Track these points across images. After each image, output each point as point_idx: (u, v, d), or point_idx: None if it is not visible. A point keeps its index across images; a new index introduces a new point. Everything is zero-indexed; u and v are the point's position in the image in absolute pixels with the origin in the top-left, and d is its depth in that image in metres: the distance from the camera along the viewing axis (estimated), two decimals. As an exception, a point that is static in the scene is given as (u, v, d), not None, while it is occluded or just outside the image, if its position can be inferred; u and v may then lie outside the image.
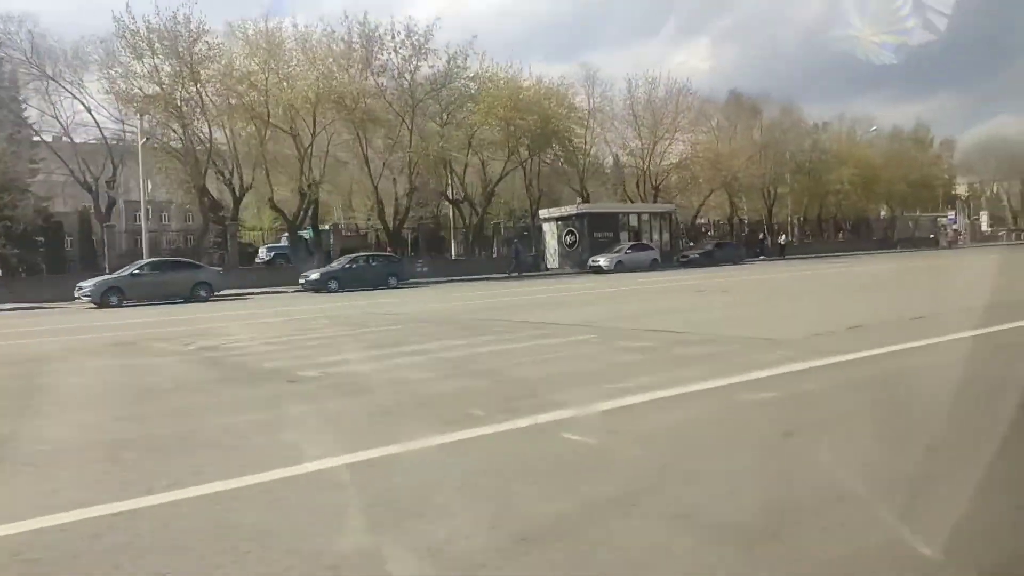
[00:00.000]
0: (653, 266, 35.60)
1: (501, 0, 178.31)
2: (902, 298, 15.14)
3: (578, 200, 41.75)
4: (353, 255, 29.03)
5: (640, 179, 46.79)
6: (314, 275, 26.63)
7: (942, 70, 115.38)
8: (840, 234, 60.37)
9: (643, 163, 46.49)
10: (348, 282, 26.74)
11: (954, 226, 58.20)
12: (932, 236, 57.80)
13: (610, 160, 49.92)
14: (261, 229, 43.23)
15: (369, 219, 42.42)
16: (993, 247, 59.20)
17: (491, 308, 16.11)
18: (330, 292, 25.85)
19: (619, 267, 34.34)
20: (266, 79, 32.37)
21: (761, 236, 48.41)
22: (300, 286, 26.81)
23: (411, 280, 29.94)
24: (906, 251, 53.85)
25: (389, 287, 27.26)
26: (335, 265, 27.65)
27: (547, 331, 10.65)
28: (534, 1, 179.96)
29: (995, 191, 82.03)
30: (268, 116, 32.89)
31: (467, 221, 40.62)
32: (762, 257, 46.23)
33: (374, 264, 28.14)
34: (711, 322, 11.30)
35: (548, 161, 43.58)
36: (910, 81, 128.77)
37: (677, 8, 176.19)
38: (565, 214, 39.99)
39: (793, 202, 58.19)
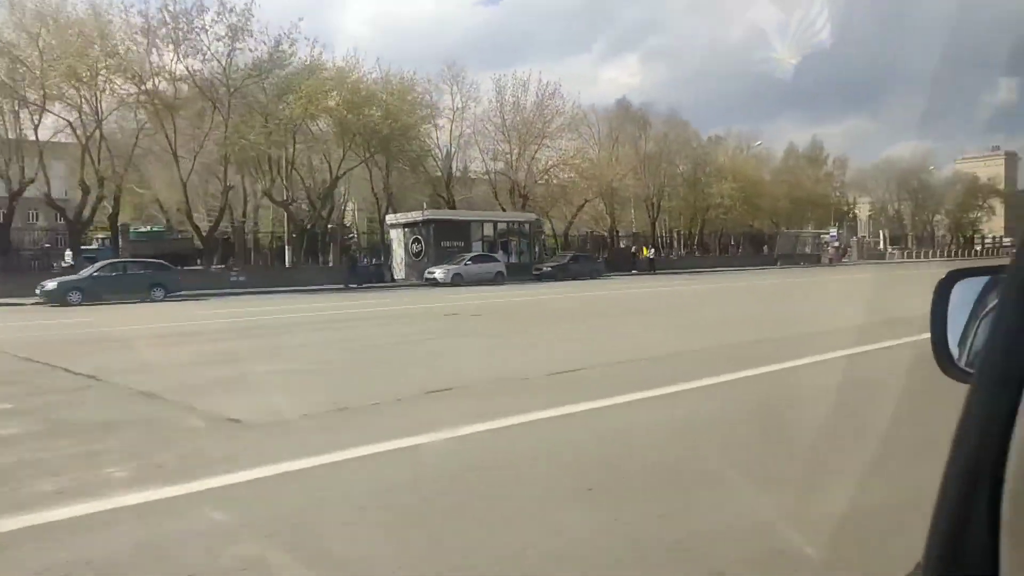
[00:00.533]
0: (498, 279, 32.35)
1: (437, 10, 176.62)
2: (706, 325, 12.48)
3: (424, 206, 38.29)
4: (110, 261, 24.56)
5: (512, 187, 43.78)
6: (51, 284, 22.10)
7: (853, 96, 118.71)
8: (727, 250, 59.04)
9: (513, 170, 43.50)
10: (98, 293, 22.31)
11: (835, 243, 57.55)
12: (813, 253, 56.94)
13: (481, 167, 46.81)
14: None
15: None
16: (878, 264, 59.20)
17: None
18: (71, 305, 21.44)
19: (457, 280, 30.93)
20: (40, 53, 27.61)
21: (633, 250, 45.97)
22: (37, 296, 22.25)
23: (193, 292, 25.66)
24: (786, 267, 52.74)
25: (154, 300, 23.01)
26: (83, 273, 23.14)
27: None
28: (468, 13, 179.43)
29: (897, 209, 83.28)
30: (44, 97, 28.21)
31: (307, 225, 36.60)
32: (634, 272, 43.89)
33: (133, 272, 23.71)
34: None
35: (404, 164, 40.05)
36: (826, 105, 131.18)
37: (608, 26, 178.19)
38: (411, 220, 36.37)
39: (677, 216, 56.42)
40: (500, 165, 43.51)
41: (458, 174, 44.35)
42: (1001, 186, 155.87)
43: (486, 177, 45.22)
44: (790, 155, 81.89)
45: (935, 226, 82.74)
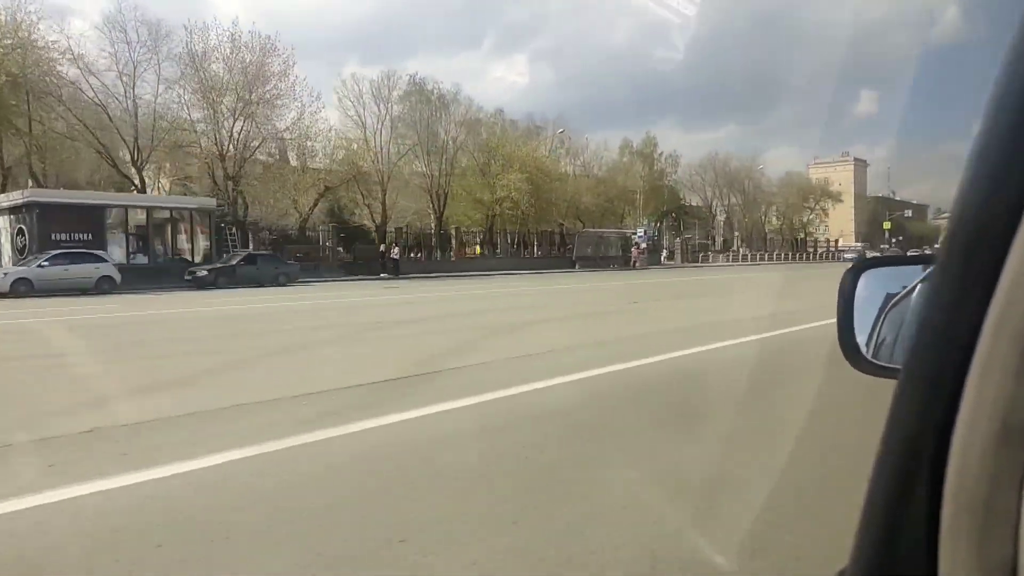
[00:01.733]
0: (102, 286, 23.06)
1: (316, 5, 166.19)
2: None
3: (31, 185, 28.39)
4: None
5: (212, 164, 34.34)
6: None
7: (730, 103, 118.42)
8: (523, 250, 51.91)
9: (212, 142, 34.08)
10: None
11: (643, 244, 51.74)
12: (619, 254, 50.71)
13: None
14: None
15: None
16: (694, 268, 54.14)
17: None
18: None
19: (21, 288, 21.44)
20: None
21: (382, 248, 37.57)
22: None
23: None
24: (585, 270, 46.26)
25: None
26: None
27: None
28: (354, 3, 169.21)
29: (724, 207, 79.47)
30: None
31: None
32: (383, 275, 35.69)
33: None
34: None
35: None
36: (704, 112, 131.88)
37: (496, 25, 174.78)
38: (14, 204, 26.45)
39: (466, 210, 48.69)
40: (191, 134, 33.86)
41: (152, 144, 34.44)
42: (850, 190, 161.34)
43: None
44: (624, 151, 77.04)
45: (765, 228, 79.60)
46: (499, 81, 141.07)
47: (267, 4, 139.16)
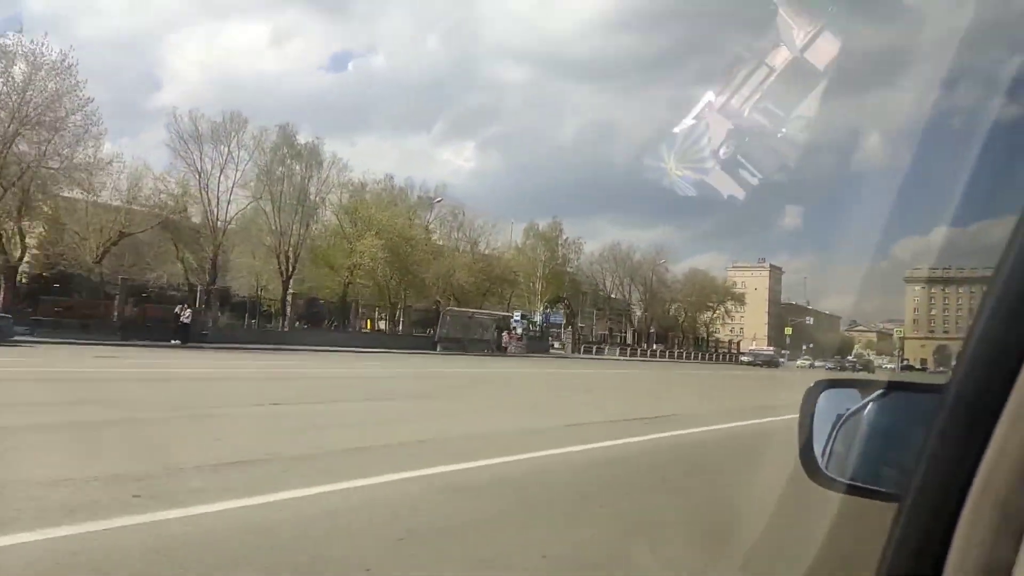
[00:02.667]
0: None
1: (277, 68, 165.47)
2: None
3: None
4: None
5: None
6: None
7: (662, 207, 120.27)
8: (392, 325, 46.26)
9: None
10: None
11: (519, 329, 46.96)
12: (490, 338, 45.55)
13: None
14: None
15: None
16: (576, 360, 49.45)
17: None
18: None
19: None
20: None
21: (177, 310, 31.19)
22: None
23: None
24: (449, 353, 40.82)
25: None
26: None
27: None
28: (312, 77, 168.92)
29: (627, 299, 76.03)
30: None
31: None
32: (174, 342, 29.30)
33: None
34: None
35: None
36: (643, 211, 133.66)
37: (446, 111, 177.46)
38: None
39: (318, 276, 43.00)
40: None
41: None
42: (765, 296, 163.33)
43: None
44: (529, 233, 73.42)
45: (668, 323, 76.24)
46: (447, 164, 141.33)
47: (226, 71, 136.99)
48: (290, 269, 41.09)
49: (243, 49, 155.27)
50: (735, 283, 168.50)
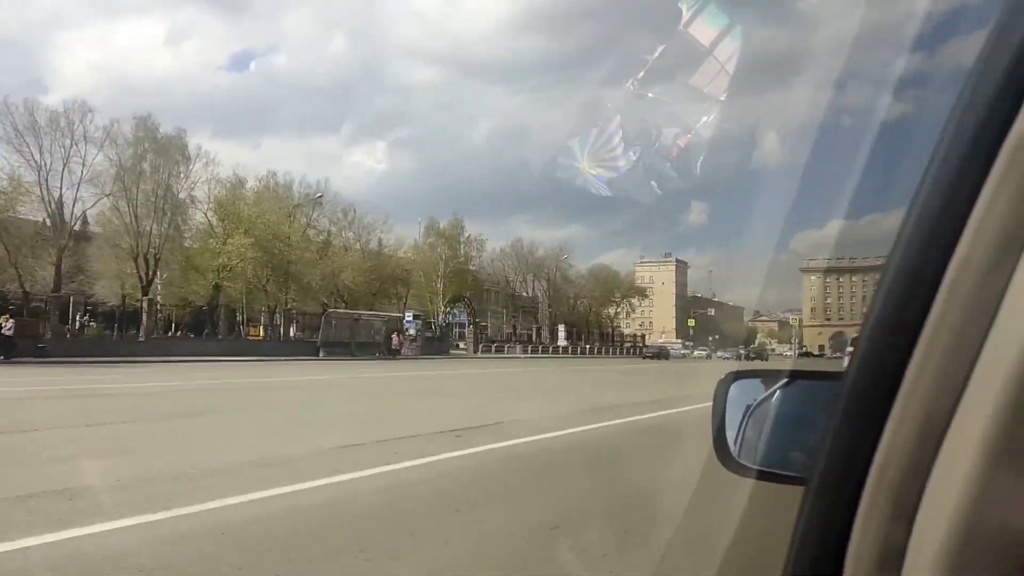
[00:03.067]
0: None
1: (173, 68, 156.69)
2: None
3: None
4: None
5: None
6: None
7: (577, 207, 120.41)
8: (271, 329, 42.85)
9: None
10: None
11: (410, 331, 44.59)
12: (379, 340, 42.94)
13: None
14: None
15: None
16: (476, 360, 47.48)
17: None
18: None
19: None
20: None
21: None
22: None
23: None
24: (333, 358, 38.03)
25: None
26: None
27: None
28: (210, 76, 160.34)
29: (529, 296, 74.72)
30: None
31: None
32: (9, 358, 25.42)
33: None
34: None
35: None
36: (556, 211, 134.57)
37: (355, 113, 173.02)
38: None
39: (182, 280, 39.25)
40: None
41: None
42: (672, 289, 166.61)
43: None
44: (431, 231, 71.07)
45: (574, 319, 75.48)
46: (358, 166, 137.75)
47: (120, 72, 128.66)
48: (150, 273, 37.31)
49: (138, 49, 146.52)
50: (640, 278, 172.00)
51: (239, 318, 42.09)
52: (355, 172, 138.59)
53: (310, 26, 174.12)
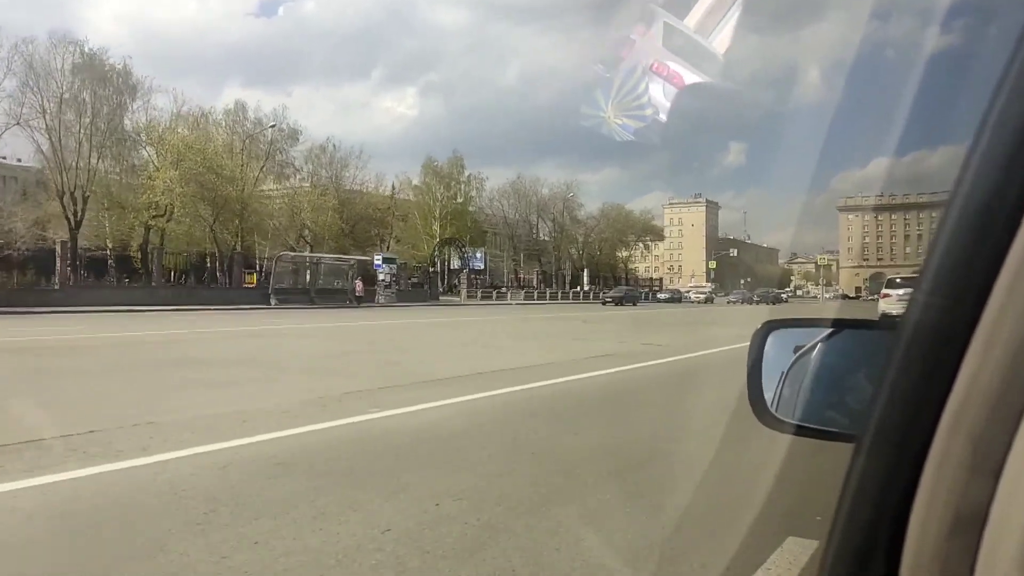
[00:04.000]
0: None
1: (200, 16, 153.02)
2: None
3: None
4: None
5: None
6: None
7: (607, 149, 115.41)
8: (226, 275, 38.50)
9: None
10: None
11: (382, 276, 39.81)
12: (343, 288, 38.25)
13: None
14: None
15: None
16: (461, 307, 42.75)
17: None
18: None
19: None
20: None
21: None
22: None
23: None
24: (286, 307, 33.67)
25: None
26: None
27: None
28: (238, 24, 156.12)
29: (533, 236, 69.22)
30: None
31: None
32: None
33: None
34: None
35: None
36: (587, 154, 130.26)
37: (384, 58, 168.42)
38: None
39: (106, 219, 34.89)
40: None
41: None
42: (702, 232, 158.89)
43: None
44: (427, 170, 65.89)
45: (583, 262, 69.88)
46: (387, 112, 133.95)
47: (147, 21, 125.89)
48: (78, 213, 33.05)
49: None
50: (670, 220, 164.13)
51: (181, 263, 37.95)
52: (385, 118, 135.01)
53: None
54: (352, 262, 39.70)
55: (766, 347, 1.22)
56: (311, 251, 40.10)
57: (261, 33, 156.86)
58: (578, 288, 62.52)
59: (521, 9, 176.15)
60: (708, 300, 64.15)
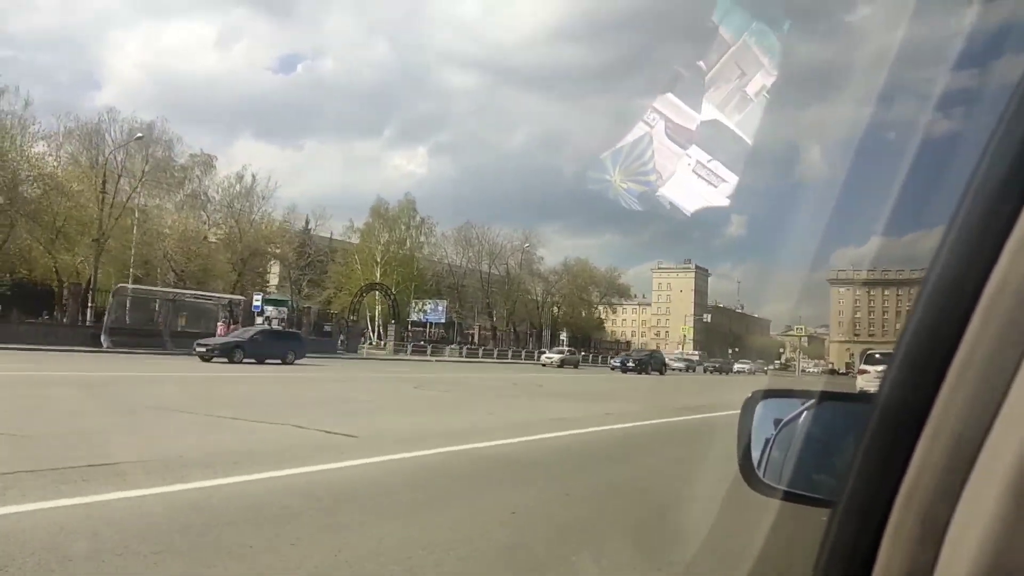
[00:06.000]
0: None
1: (219, 68, 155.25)
2: None
3: None
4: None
5: None
6: None
7: (612, 214, 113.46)
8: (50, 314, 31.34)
9: None
10: None
11: (260, 320, 32.61)
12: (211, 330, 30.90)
13: None
14: None
15: None
16: (366, 362, 35.38)
17: None
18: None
19: None
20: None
21: None
22: None
23: None
24: (122, 350, 26.50)
25: None
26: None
27: None
28: (256, 77, 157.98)
29: (483, 287, 62.18)
30: None
31: None
32: None
33: None
34: None
35: None
36: (588, 219, 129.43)
37: (396, 117, 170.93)
38: None
39: None
40: None
41: None
42: (691, 298, 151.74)
43: None
44: (376, 211, 59.99)
45: (541, 320, 62.49)
46: (397, 169, 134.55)
47: (165, 72, 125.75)
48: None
49: (188, 49, 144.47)
50: (658, 284, 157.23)
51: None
52: (394, 175, 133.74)
53: (354, 31, 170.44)
54: (225, 301, 32.52)
55: (756, 414, 1.21)
56: (184, 287, 33.01)
57: (276, 88, 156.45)
58: (530, 348, 55.21)
59: (528, 77, 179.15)
60: (690, 368, 56.81)
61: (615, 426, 10.19)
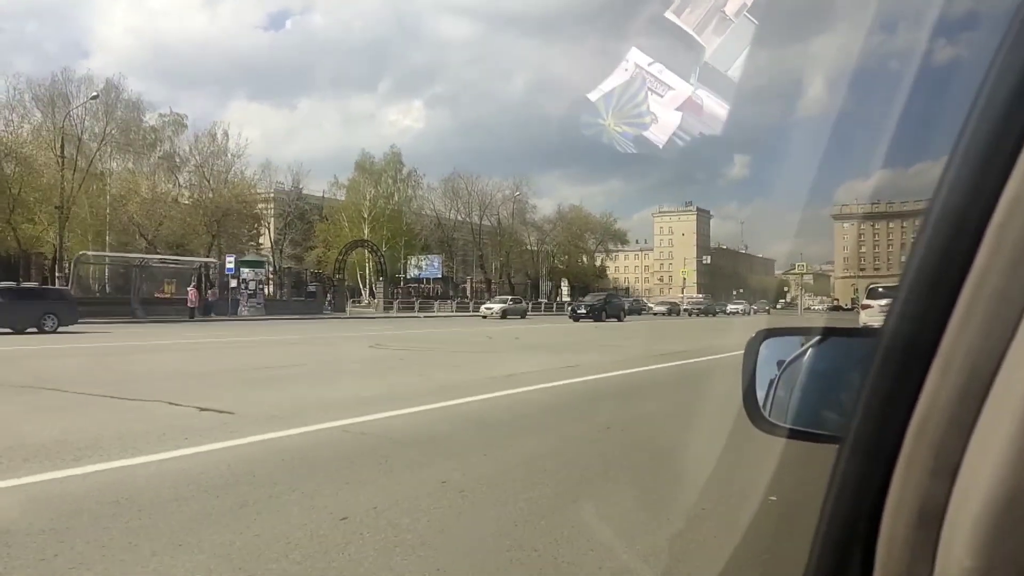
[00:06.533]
0: None
1: (209, 28, 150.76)
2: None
3: None
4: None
5: None
6: None
7: (611, 162, 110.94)
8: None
9: None
10: None
11: (236, 284, 31.34)
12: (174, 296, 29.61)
13: None
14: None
15: None
16: (351, 320, 34.27)
17: None
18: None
19: None
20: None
21: None
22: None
23: None
24: (86, 320, 25.28)
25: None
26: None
27: None
28: (246, 36, 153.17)
29: (476, 241, 60.62)
30: None
31: None
32: None
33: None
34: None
35: None
36: (592, 166, 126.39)
37: (391, 70, 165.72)
38: None
39: None
40: None
41: None
42: (693, 241, 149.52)
43: None
44: (362, 166, 58.01)
45: (539, 268, 61.05)
46: (393, 125, 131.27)
47: (155, 34, 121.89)
48: None
49: (177, 10, 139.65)
50: (660, 228, 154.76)
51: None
52: (391, 130, 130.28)
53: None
54: (196, 265, 31.17)
55: (760, 353, 1.23)
56: (156, 252, 31.61)
57: (267, 45, 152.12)
58: (538, 299, 53.87)
59: (523, 21, 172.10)
60: (672, 312, 55.22)
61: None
